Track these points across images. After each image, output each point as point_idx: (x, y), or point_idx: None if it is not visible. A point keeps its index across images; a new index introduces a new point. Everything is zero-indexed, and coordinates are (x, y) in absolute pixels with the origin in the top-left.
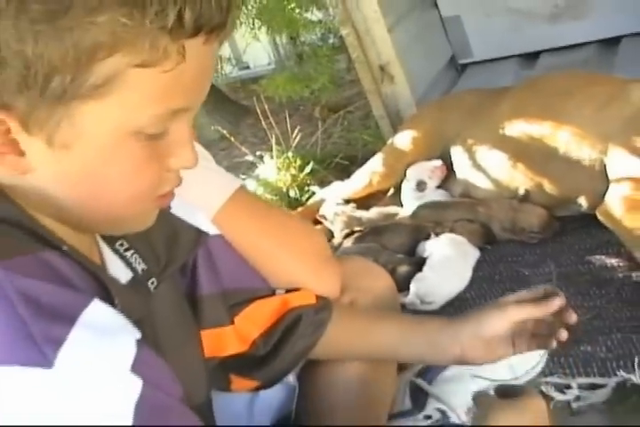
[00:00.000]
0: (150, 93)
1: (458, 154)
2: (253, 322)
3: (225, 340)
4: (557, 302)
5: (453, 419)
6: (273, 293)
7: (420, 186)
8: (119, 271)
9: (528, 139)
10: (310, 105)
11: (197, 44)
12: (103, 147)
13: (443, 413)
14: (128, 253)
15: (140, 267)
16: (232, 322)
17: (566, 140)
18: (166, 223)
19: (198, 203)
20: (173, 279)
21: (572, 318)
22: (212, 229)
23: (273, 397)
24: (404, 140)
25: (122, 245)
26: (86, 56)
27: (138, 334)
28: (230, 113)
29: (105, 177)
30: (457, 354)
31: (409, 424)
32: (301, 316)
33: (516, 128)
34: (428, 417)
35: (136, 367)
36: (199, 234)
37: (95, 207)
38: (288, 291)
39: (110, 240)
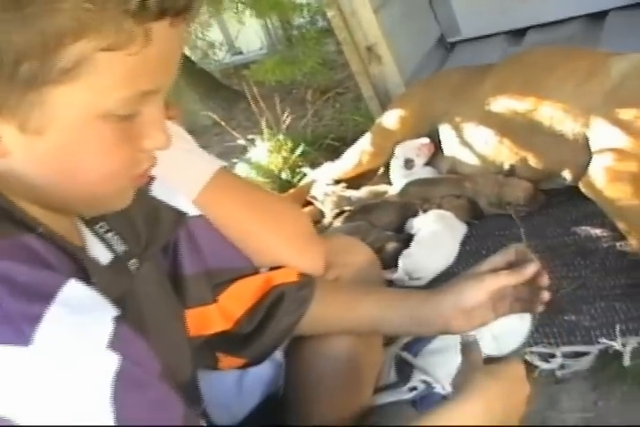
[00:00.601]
0: (118, 76)
1: (445, 132)
2: (237, 300)
3: (209, 318)
4: (531, 269)
5: (438, 389)
6: (256, 271)
7: (408, 164)
8: (99, 253)
9: (512, 115)
10: (303, 88)
11: (163, 27)
12: (75, 130)
13: (427, 384)
14: (108, 235)
15: (121, 248)
16: (216, 300)
17: (549, 114)
18: (146, 205)
19: (179, 184)
20: (155, 260)
21: (544, 280)
22: (192, 210)
23: (261, 373)
24: (392, 119)
25: (102, 227)
26: (53, 42)
27: (115, 312)
28: (223, 99)
29: (78, 158)
30: (440, 325)
31: (392, 400)
32: (284, 293)
33: (500, 104)
34: (413, 389)
35: (113, 344)
36: (179, 215)
37: (71, 188)
38: (271, 269)
39: (90, 223)
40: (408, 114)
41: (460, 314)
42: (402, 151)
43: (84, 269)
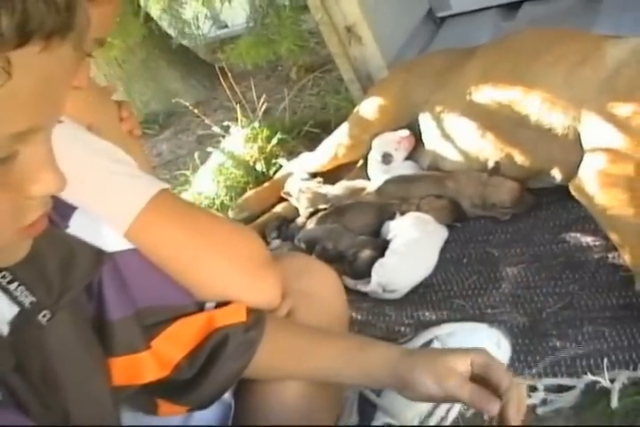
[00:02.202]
0: None
1: (426, 122)
2: (176, 343)
3: (141, 367)
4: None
5: None
6: (200, 308)
7: (386, 158)
8: (3, 306)
9: (496, 105)
10: (289, 65)
11: (30, 54)
12: None
13: None
14: (12, 286)
15: (28, 300)
16: (148, 347)
17: (536, 106)
18: (60, 247)
19: (109, 214)
20: (77, 306)
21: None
22: (120, 244)
23: (208, 417)
24: (369, 108)
25: (4, 277)
26: None
27: None
28: (205, 77)
29: None
30: (400, 387)
31: None
32: (229, 335)
33: (484, 94)
34: None
35: None
36: (99, 254)
37: None
38: (218, 305)
39: None
40: (387, 102)
41: (430, 378)
42: (379, 145)
43: None
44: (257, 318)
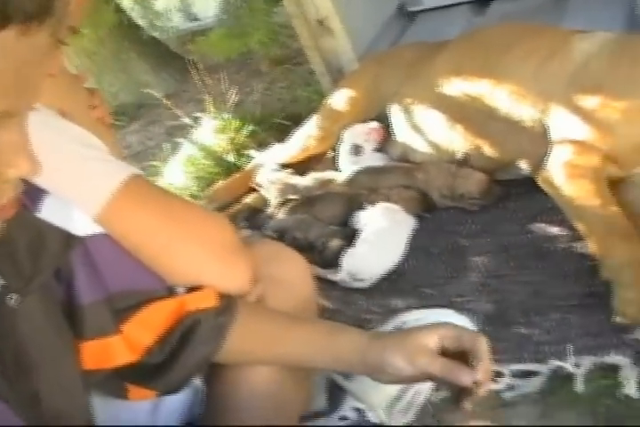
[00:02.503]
0: None
1: (396, 114)
2: (146, 327)
3: (112, 350)
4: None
5: (372, 419)
6: (171, 293)
7: (356, 150)
8: None
9: (466, 98)
10: (259, 58)
11: (7, 38)
12: None
13: (360, 412)
14: None
15: None
16: (119, 331)
17: (505, 99)
18: (30, 231)
19: (80, 198)
20: (47, 290)
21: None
22: (92, 228)
23: (178, 401)
24: (340, 100)
25: None
26: None
27: None
28: (176, 69)
29: None
30: (371, 371)
31: None
32: (200, 320)
33: (454, 86)
34: (344, 418)
35: None
36: (69, 238)
37: None
38: (190, 290)
39: None
40: (357, 95)
41: (400, 358)
42: (349, 137)
43: None
44: (228, 303)
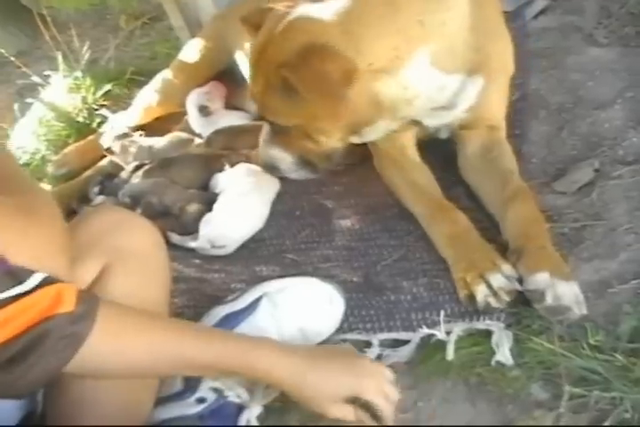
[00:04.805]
0: None
1: (241, 63)
2: None
3: None
4: None
5: (232, 398)
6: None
7: (203, 111)
8: None
9: None
10: (118, 13)
11: None
12: None
13: (219, 392)
14: None
15: None
16: None
17: None
18: None
19: None
20: None
21: None
22: None
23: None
24: (188, 55)
25: None
26: None
27: None
28: (27, 24)
29: None
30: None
31: (176, 414)
32: (49, 330)
33: None
34: (202, 400)
35: None
36: None
37: None
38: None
39: None
40: (205, 49)
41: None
42: (192, 100)
43: None
44: (88, 307)
